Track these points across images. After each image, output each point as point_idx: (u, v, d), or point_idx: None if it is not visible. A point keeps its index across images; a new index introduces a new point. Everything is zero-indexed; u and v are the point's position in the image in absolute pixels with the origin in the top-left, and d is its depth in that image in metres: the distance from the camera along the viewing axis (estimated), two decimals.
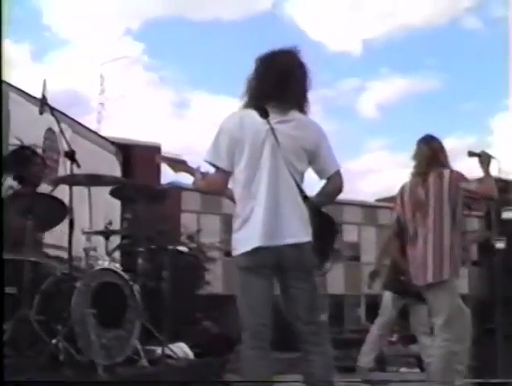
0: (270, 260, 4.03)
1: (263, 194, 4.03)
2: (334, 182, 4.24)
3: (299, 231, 4.06)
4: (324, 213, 4.28)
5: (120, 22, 68.74)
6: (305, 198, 4.11)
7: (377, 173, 74.25)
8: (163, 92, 64.78)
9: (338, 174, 4.24)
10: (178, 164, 4.42)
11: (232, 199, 4.26)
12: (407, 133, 69.50)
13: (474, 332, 7.69)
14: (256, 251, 4.00)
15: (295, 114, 4.18)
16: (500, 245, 10.27)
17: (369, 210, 41.15)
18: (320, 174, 4.24)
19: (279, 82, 4.13)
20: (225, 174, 4.16)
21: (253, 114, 4.11)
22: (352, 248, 40.19)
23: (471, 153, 5.80)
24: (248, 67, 4.28)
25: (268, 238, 4.00)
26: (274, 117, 4.09)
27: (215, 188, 4.35)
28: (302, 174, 4.19)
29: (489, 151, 5.75)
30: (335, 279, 34.08)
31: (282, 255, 4.03)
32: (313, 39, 66.06)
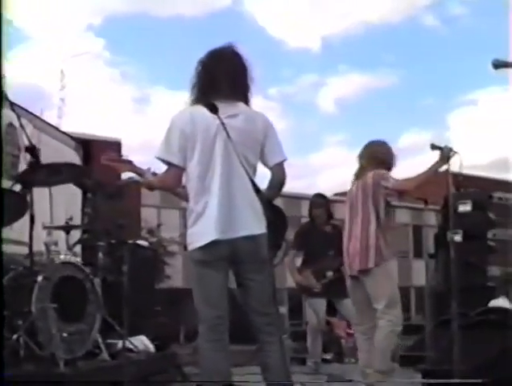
0: (225, 253, 4.06)
1: (216, 188, 4.06)
2: (276, 173, 4.27)
3: (253, 223, 4.10)
4: (275, 206, 4.33)
5: (81, 17, 68.18)
6: (258, 191, 4.13)
7: (335, 167, 74.62)
8: (124, 88, 64.42)
9: (280, 165, 4.27)
10: (123, 164, 4.41)
11: (184, 198, 4.30)
12: (365, 128, 69.75)
13: (431, 323, 7.78)
14: (212, 244, 4.02)
15: (242, 108, 4.23)
16: (456, 238, 10.34)
17: None
18: (265, 164, 4.28)
19: (226, 78, 4.19)
20: (178, 170, 4.16)
21: (203, 110, 4.13)
22: None
23: (434, 146, 5.94)
24: None
25: (223, 231, 4.03)
26: (223, 112, 4.12)
27: (169, 184, 4.33)
28: (254, 167, 4.23)
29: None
30: None
31: (237, 247, 4.07)
32: (273, 35, 66.46)
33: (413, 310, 41.45)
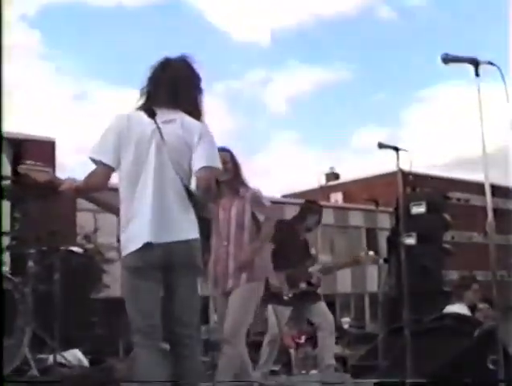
0: (159, 258, 4.17)
1: (150, 192, 4.21)
2: (199, 179, 4.31)
3: (187, 228, 4.26)
4: (202, 211, 4.41)
5: (14, 7, 67.23)
6: (191, 195, 4.27)
7: (284, 168, 74.82)
8: (59, 83, 63.74)
9: (202, 170, 4.29)
10: (41, 173, 4.45)
11: (110, 210, 4.39)
12: (316, 126, 70.34)
13: (384, 331, 7.86)
14: (145, 248, 4.13)
15: (180, 115, 4.39)
16: (409, 241, 10.44)
17: (275, 206, 41.32)
18: (193, 170, 4.35)
19: (168, 86, 4.43)
20: (107, 169, 4.28)
21: (141, 114, 4.35)
22: None
23: (381, 145, 6.05)
24: (152, 57, 4.55)
25: (157, 235, 4.16)
26: (160, 117, 4.32)
27: (94, 182, 4.34)
28: (188, 172, 4.34)
29: (400, 145, 6.02)
30: None
31: (171, 252, 4.19)
32: (219, 28, 66.23)
33: (367, 318, 41.76)
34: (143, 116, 4.32)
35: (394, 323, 7.68)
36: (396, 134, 68.51)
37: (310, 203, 9.07)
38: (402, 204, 7.32)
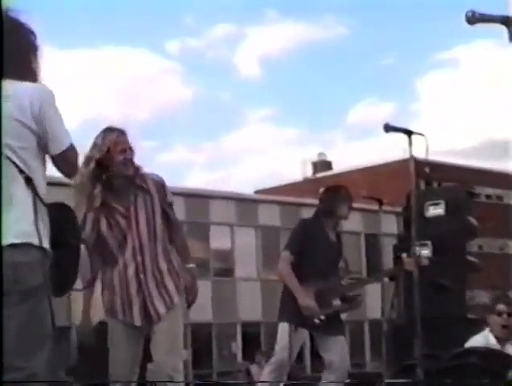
0: None
1: None
2: (64, 162, 4.39)
3: (14, 229, 4.14)
4: (60, 203, 4.48)
5: None
6: (28, 180, 4.23)
7: (257, 154, 74.68)
8: None
9: (67, 152, 4.37)
10: None
11: None
12: (301, 99, 70.10)
13: (391, 370, 7.98)
14: None
15: (11, 85, 4.32)
16: (424, 252, 10.55)
17: (245, 205, 41.33)
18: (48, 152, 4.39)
19: None
20: None
21: None
22: (222, 258, 40.23)
23: (388, 128, 6.07)
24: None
25: None
26: None
27: None
28: (22, 159, 4.29)
29: (413, 125, 6.07)
30: (198, 300, 34.00)
31: None
32: None
33: (368, 353, 41.93)
34: None
35: (404, 360, 7.78)
36: (407, 110, 68.56)
37: (336, 189, 8.85)
38: (414, 203, 7.42)
